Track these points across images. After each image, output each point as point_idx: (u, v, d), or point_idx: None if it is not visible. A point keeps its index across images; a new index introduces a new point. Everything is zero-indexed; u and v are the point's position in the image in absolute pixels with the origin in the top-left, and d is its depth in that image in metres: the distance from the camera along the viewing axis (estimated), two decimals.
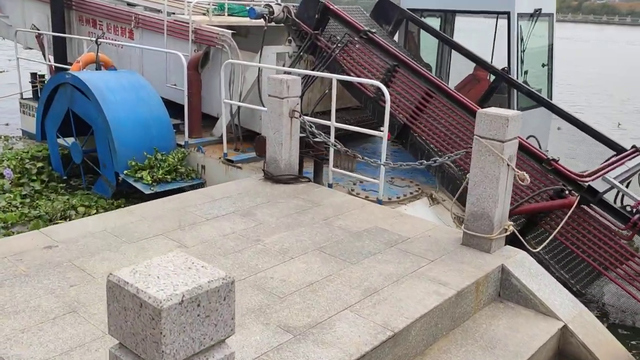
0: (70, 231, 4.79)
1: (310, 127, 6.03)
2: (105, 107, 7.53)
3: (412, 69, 6.56)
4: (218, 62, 8.56)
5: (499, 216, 4.64)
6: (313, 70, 7.50)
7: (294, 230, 4.98)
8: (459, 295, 4.04)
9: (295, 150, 6.31)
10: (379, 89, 6.73)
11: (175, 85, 9.14)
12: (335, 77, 6.12)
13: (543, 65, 8.49)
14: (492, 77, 8.18)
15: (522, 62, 7.90)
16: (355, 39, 7.01)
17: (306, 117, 6.26)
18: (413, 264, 4.38)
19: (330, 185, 6.39)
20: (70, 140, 8.40)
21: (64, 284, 3.90)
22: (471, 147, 4.71)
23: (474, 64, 8.53)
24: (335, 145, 6.10)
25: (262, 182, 6.25)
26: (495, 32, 8.96)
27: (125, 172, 7.48)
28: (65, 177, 8.51)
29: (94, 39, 9.15)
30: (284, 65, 7.60)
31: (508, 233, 4.71)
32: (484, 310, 4.33)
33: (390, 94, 6.79)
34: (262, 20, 7.69)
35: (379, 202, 5.96)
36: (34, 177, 8.30)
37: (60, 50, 10.77)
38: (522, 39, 7.84)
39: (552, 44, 8.75)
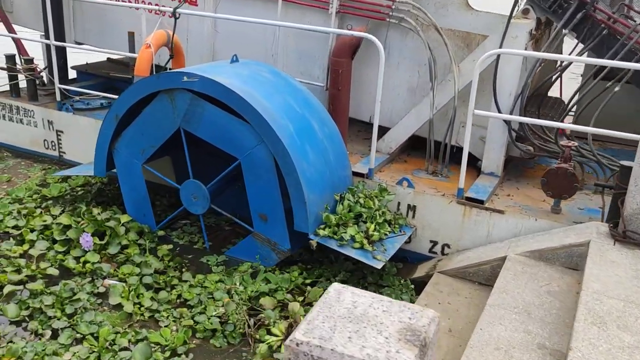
0: None
1: None
2: (279, 128, 4.62)
3: None
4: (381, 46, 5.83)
5: None
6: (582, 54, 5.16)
7: None
8: None
9: None
10: None
11: None
12: None
13: None
14: None
15: None
16: None
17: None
18: None
19: None
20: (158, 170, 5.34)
21: None
22: None
23: None
24: None
25: (624, 249, 4.00)
26: None
27: (320, 231, 4.72)
28: (158, 234, 5.44)
29: (169, 8, 5.88)
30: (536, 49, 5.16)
31: None
32: None
33: None
34: None
35: None
36: (126, 241, 5.14)
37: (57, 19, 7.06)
38: None
39: None
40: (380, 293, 4.74)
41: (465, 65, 5.31)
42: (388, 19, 5.61)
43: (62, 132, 6.91)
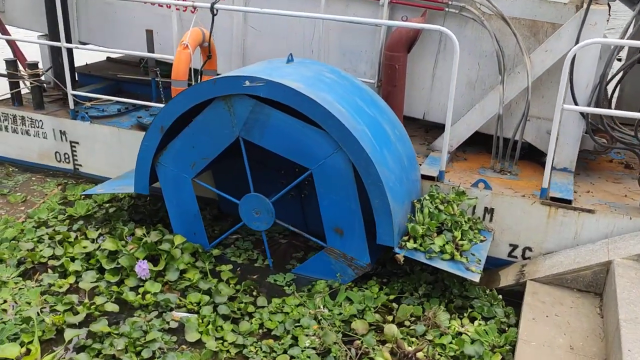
0: None
1: None
2: (359, 134, 4.18)
3: None
4: (436, 37, 5.44)
5: None
6: None
7: None
8: None
9: None
10: None
11: None
12: None
13: None
14: None
15: None
16: None
17: None
18: None
19: None
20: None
21: None
22: None
23: None
24: None
25: None
26: None
27: (406, 243, 4.33)
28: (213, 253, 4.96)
29: (205, 5, 5.32)
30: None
31: None
32: None
33: None
34: None
35: None
36: (183, 265, 4.63)
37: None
38: None
39: None
40: (470, 306, 4.41)
41: (536, 56, 4.97)
42: (446, 9, 5.22)
43: (77, 143, 6.27)
